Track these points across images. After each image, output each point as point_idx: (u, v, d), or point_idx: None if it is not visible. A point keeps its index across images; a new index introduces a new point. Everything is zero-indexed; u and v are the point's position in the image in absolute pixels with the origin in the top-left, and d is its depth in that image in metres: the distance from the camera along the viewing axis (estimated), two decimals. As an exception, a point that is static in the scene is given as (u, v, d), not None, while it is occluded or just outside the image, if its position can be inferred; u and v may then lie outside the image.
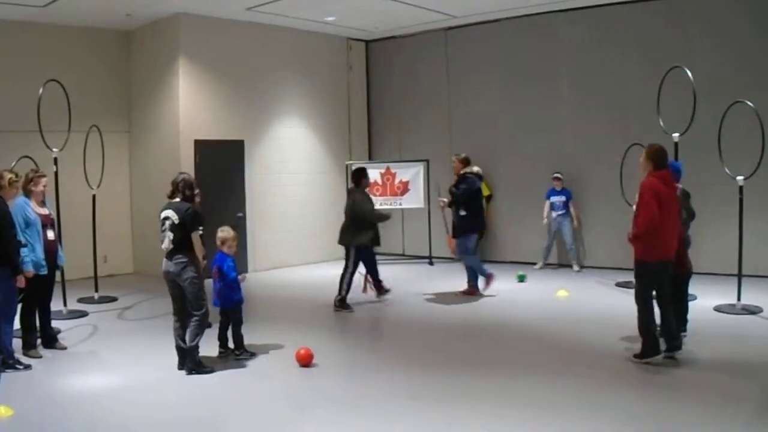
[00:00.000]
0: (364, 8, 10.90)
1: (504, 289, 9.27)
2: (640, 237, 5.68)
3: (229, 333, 6.44)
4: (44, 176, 6.72)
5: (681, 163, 7.71)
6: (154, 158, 11.17)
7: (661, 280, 5.85)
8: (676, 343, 5.91)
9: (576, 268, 10.75)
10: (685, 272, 6.68)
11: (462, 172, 8.94)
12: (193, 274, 5.77)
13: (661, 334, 5.91)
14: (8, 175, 6.12)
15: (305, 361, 6.06)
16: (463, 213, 8.85)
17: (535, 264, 11.16)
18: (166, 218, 5.79)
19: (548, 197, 10.87)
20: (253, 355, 6.39)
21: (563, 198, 10.78)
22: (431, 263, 11.87)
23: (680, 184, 7.52)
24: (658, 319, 5.90)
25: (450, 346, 6.85)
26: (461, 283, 9.29)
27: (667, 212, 5.66)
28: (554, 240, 11.00)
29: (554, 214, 10.79)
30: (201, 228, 5.87)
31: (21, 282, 5.96)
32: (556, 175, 10.80)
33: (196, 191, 6.04)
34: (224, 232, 6.32)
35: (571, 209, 10.76)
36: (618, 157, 9.24)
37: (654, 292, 5.86)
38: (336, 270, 11.54)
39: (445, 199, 9.09)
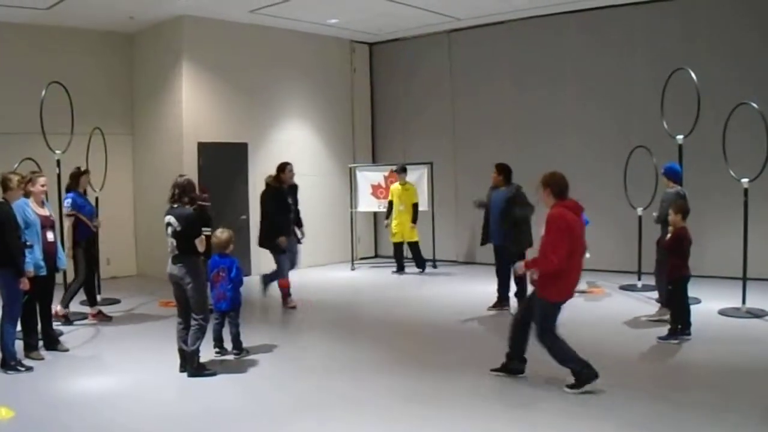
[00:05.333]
0: (367, 10, 10.89)
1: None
2: (548, 276, 5.20)
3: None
4: (42, 176, 6.73)
5: (675, 164, 7.80)
6: (157, 161, 11.16)
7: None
8: (522, 367, 5.61)
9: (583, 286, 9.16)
10: (683, 277, 6.65)
11: None
12: (195, 279, 5.76)
13: (514, 354, 5.59)
14: (16, 177, 6.16)
15: None
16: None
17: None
18: (168, 224, 5.79)
19: None
20: (246, 352, 6.45)
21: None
22: (435, 266, 11.82)
23: (679, 186, 7.57)
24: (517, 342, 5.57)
25: (450, 347, 6.82)
26: (463, 285, 9.41)
27: (578, 247, 5.22)
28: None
29: None
30: (208, 229, 5.85)
31: (25, 284, 5.96)
32: None
33: (204, 195, 6.01)
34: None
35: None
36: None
37: (520, 317, 5.56)
38: (338, 273, 11.64)
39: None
